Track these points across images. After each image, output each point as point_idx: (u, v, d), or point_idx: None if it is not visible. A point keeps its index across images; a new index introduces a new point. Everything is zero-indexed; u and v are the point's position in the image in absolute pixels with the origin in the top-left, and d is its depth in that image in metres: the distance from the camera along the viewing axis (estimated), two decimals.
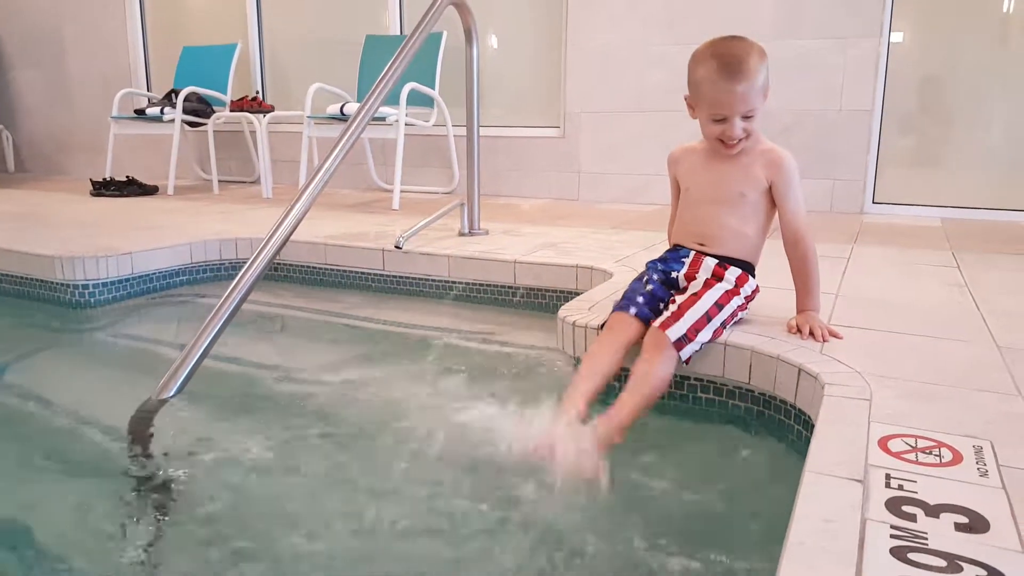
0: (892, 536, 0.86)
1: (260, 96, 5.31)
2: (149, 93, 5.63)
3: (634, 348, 1.61)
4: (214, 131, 4.94)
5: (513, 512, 1.28)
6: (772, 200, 1.71)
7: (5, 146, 6.15)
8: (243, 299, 1.92)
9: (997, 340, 1.64)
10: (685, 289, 1.70)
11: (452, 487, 1.39)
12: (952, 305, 1.97)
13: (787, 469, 1.27)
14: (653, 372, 1.52)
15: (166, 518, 1.31)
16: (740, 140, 1.62)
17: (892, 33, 3.75)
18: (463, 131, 3.18)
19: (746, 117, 1.59)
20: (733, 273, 1.69)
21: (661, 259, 1.79)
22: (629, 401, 1.46)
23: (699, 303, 1.60)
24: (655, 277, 1.73)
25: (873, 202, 3.90)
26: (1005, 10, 3.63)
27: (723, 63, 1.55)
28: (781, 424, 1.54)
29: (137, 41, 5.87)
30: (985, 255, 2.68)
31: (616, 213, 3.88)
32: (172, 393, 1.78)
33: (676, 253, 1.77)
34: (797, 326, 1.67)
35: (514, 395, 1.85)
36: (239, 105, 4.88)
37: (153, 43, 5.93)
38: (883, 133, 3.85)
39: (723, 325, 1.63)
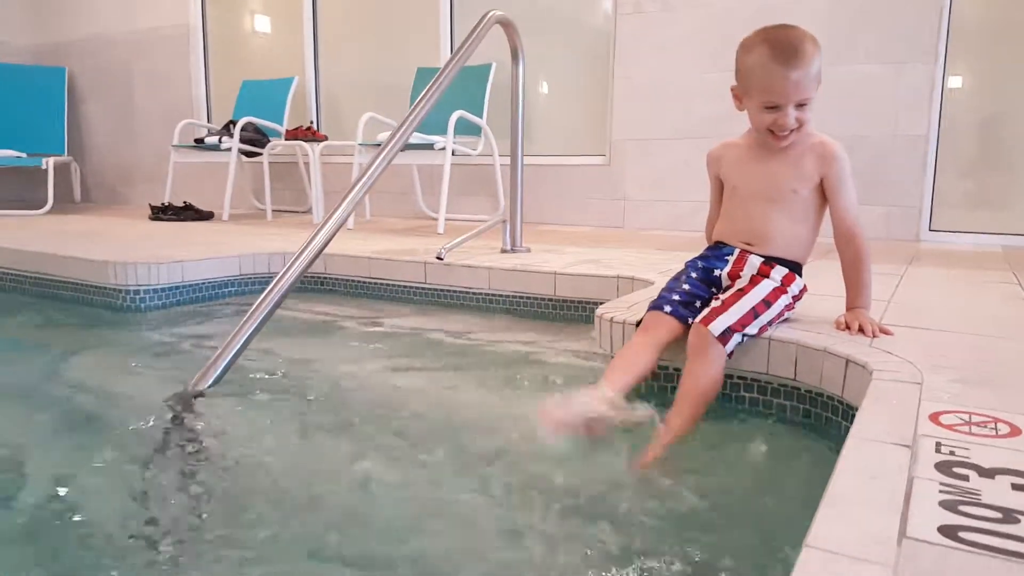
0: (942, 491, 0.80)
1: (314, 127, 5.45)
2: (209, 124, 5.83)
3: (673, 347, 1.57)
4: (269, 161, 5.07)
5: (551, 502, 1.24)
6: (823, 196, 1.65)
7: (73, 177, 6.40)
8: (279, 302, 1.93)
9: None
10: (728, 287, 1.64)
11: (481, 479, 1.35)
12: (1011, 311, 1.88)
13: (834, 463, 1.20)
14: (701, 376, 1.47)
15: (192, 491, 1.30)
16: (792, 131, 1.56)
17: (948, 61, 3.68)
18: (509, 160, 3.20)
19: (800, 106, 1.53)
20: (779, 272, 1.63)
21: (702, 256, 1.73)
22: (681, 410, 1.43)
23: (745, 298, 1.55)
24: (693, 275, 1.68)
25: (930, 229, 3.78)
26: None
27: (778, 49, 1.49)
28: (829, 420, 1.46)
29: (199, 76, 6.11)
30: None
31: (661, 238, 3.84)
32: (207, 385, 1.79)
33: (719, 251, 1.71)
34: (846, 322, 1.60)
35: (547, 392, 1.83)
36: (294, 134, 5.02)
37: (215, 78, 6.16)
38: (939, 159, 3.75)
39: (769, 323, 1.57)
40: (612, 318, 1.77)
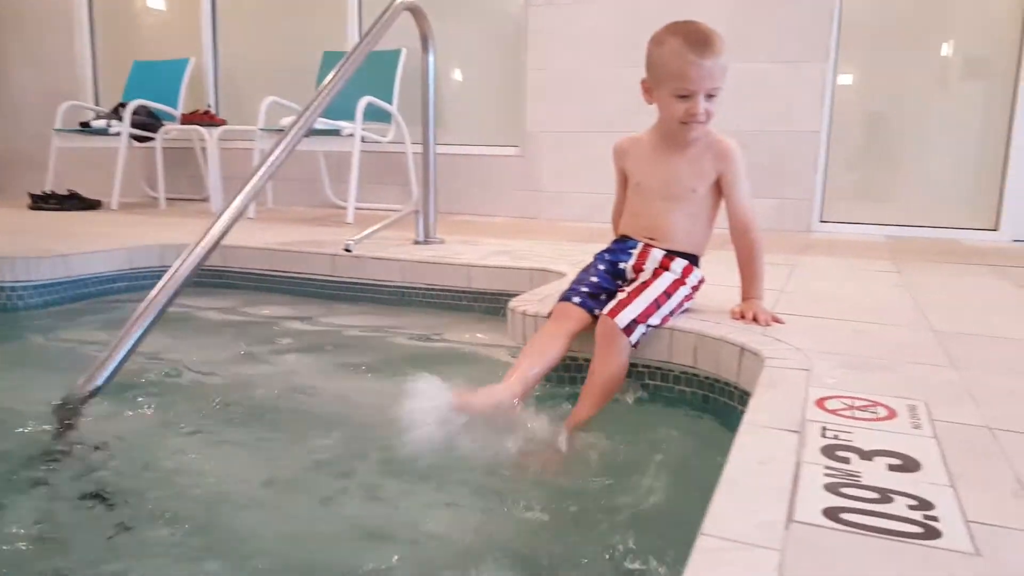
0: (826, 475, 0.87)
1: (212, 111, 5.25)
2: (96, 107, 5.53)
3: (581, 336, 1.62)
4: (163, 147, 4.85)
5: (451, 492, 1.26)
6: (719, 192, 1.73)
7: None
8: (173, 296, 1.82)
9: (933, 326, 1.68)
10: (633, 280, 1.71)
11: (382, 472, 1.36)
12: (892, 300, 2.02)
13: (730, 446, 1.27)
14: (608, 365, 1.54)
15: (81, 503, 1.26)
16: (701, 123, 1.61)
17: (839, 60, 3.88)
18: (421, 149, 3.17)
19: (709, 96, 1.59)
20: (679, 264, 1.71)
21: (608, 250, 1.79)
22: (588, 397, 1.52)
23: (648, 290, 1.62)
24: (601, 268, 1.74)
25: (820, 221, 3.99)
26: (944, 52, 3.81)
27: (691, 39, 1.55)
28: (725, 405, 1.54)
29: (85, 55, 5.78)
30: (925, 264, 2.76)
31: (576, 229, 3.90)
32: (98, 385, 1.69)
33: (624, 244, 1.77)
34: (741, 312, 1.69)
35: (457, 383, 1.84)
36: (190, 119, 4.82)
37: (103, 57, 5.85)
38: (830, 154, 3.96)
39: (671, 313, 1.64)
40: (524, 311, 1.81)
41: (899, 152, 3.93)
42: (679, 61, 1.56)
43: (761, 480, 0.85)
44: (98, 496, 1.30)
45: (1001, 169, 3.73)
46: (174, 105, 5.01)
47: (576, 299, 1.65)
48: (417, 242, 3.06)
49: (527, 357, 1.55)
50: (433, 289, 2.62)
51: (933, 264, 2.77)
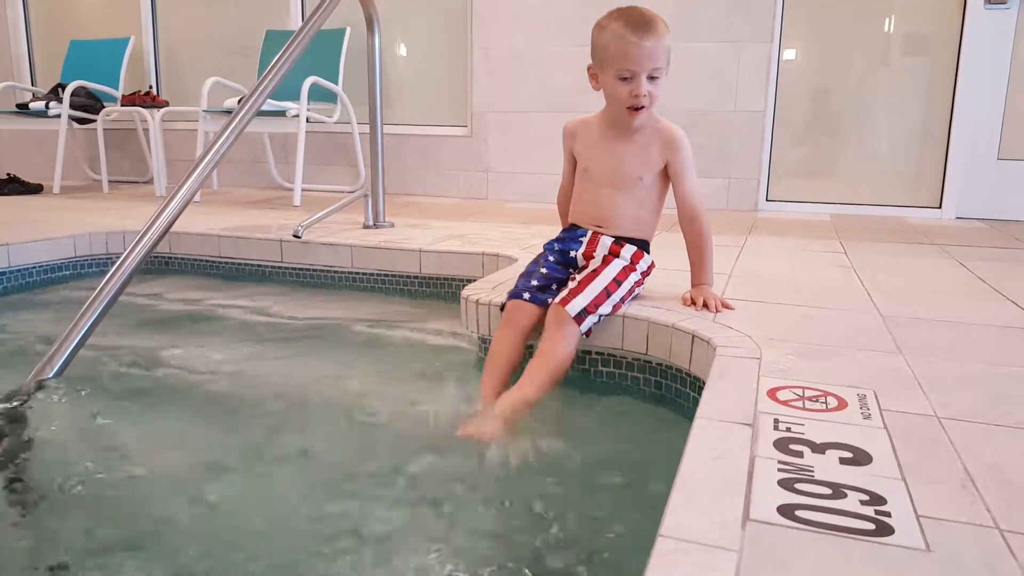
0: (780, 470, 0.87)
1: (154, 91, 5.09)
2: (33, 87, 5.31)
3: (538, 329, 1.61)
4: (104, 128, 4.68)
5: (421, 490, 1.25)
6: (667, 179, 1.73)
7: None
8: (125, 284, 1.82)
9: (880, 310, 1.71)
10: (584, 268, 1.71)
11: (340, 470, 1.34)
12: (839, 282, 2.05)
13: (685, 434, 1.27)
14: (556, 349, 1.53)
15: (34, 501, 1.21)
16: (644, 107, 1.61)
17: (784, 39, 3.91)
18: (368, 129, 3.12)
19: (652, 78, 1.59)
20: (628, 250, 1.71)
21: (559, 239, 1.79)
22: (534, 377, 1.48)
23: (598, 279, 1.62)
24: (551, 259, 1.74)
25: (767, 199, 4.04)
26: (886, 29, 3.86)
27: (631, 21, 1.56)
28: (678, 392, 1.55)
29: (19, 33, 5.53)
30: (869, 243, 2.81)
31: (525, 211, 3.89)
32: (49, 376, 1.67)
33: (573, 233, 1.77)
34: (692, 298, 1.70)
35: (416, 378, 1.83)
36: (131, 100, 4.66)
37: (38, 36, 5.61)
38: (775, 133, 4.00)
39: (622, 300, 1.64)
40: (478, 300, 1.79)
41: (843, 129, 3.99)
42: (620, 43, 1.57)
43: (716, 477, 0.85)
44: (45, 489, 1.27)
45: (944, 146, 3.81)
46: (115, 86, 4.83)
47: (526, 295, 1.64)
48: (366, 226, 3.01)
49: (491, 369, 1.56)
50: (384, 274, 2.59)
51: (878, 244, 2.82)
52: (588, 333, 1.57)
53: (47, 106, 4.51)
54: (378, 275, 2.60)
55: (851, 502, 0.80)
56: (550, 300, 1.60)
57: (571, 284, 1.62)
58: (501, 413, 1.38)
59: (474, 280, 2.37)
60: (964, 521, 0.77)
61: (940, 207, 3.84)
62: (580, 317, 1.54)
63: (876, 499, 0.81)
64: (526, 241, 2.64)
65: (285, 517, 1.19)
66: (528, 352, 1.67)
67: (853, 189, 3.98)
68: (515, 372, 1.55)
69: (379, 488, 1.26)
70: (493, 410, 1.39)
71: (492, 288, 1.89)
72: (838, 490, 0.82)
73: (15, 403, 1.58)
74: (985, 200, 3.81)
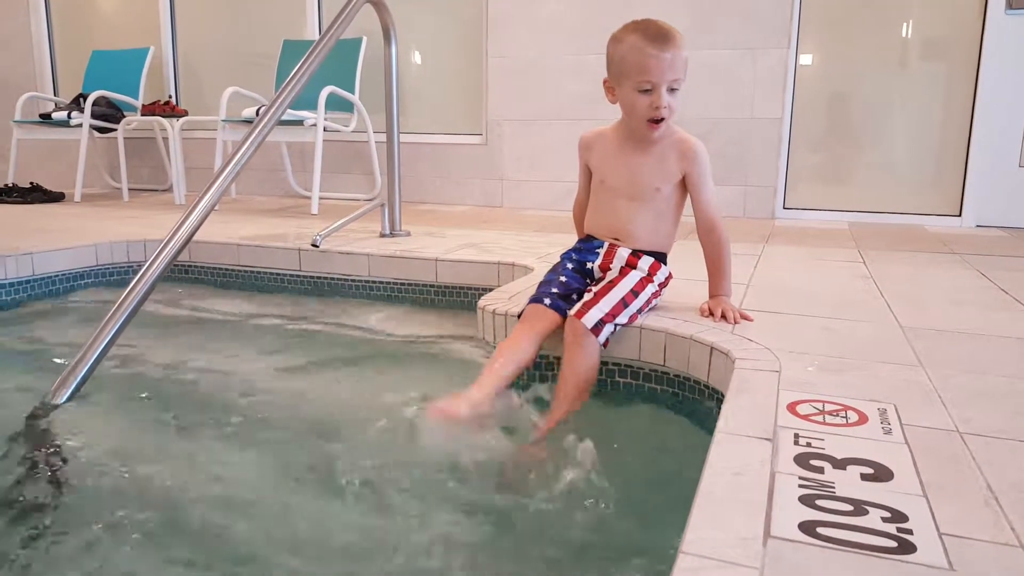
0: (800, 486, 0.87)
1: (173, 101, 5.14)
2: (56, 98, 5.39)
3: (553, 336, 1.61)
4: (125, 137, 4.75)
5: (429, 496, 1.25)
6: (684, 190, 1.73)
7: None
8: (143, 300, 1.82)
9: (900, 321, 1.70)
10: (600, 279, 1.71)
11: (360, 475, 1.35)
12: (858, 293, 2.04)
13: (703, 446, 1.27)
14: (575, 366, 1.54)
15: (55, 524, 1.22)
16: (664, 119, 1.61)
17: (800, 46, 3.90)
18: (385, 137, 3.14)
19: (671, 89, 1.59)
20: (646, 262, 1.71)
21: (575, 249, 1.80)
22: (563, 399, 1.51)
23: (615, 290, 1.62)
24: (569, 267, 1.74)
25: (784, 207, 4.03)
26: (904, 35, 3.84)
27: (649, 33, 1.56)
28: (697, 404, 1.55)
29: (43, 45, 5.62)
30: (888, 252, 2.80)
31: (539, 218, 3.89)
32: (66, 397, 1.67)
33: (590, 244, 1.77)
34: (710, 309, 1.70)
35: (431, 384, 1.83)
36: (151, 109, 4.72)
37: (61, 47, 5.68)
38: (792, 140, 3.99)
39: (639, 311, 1.64)
40: (494, 310, 1.80)
41: (861, 136, 3.97)
42: (639, 55, 1.57)
43: (737, 493, 0.85)
44: (69, 501, 1.27)
45: (964, 153, 3.78)
46: (135, 95, 4.90)
47: (547, 300, 1.64)
48: (383, 235, 3.03)
49: (499, 357, 1.55)
50: (401, 283, 2.60)
51: (898, 252, 2.80)
52: (606, 344, 1.57)
53: (69, 116, 4.58)
54: (395, 284, 2.61)
55: (873, 519, 0.79)
56: (568, 310, 1.60)
57: (587, 296, 1.62)
58: (480, 400, 1.42)
59: (490, 289, 2.38)
60: (987, 539, 0.76)
61: (960, 215, 3.81)
62: (597, 328, 1.54)
63: (898, 516, 0.80)
64: (542, 249, 2.65)
65: (313, 529, 1.20)
66: (540, 360, 1.68)
67: (871, 197, 3.95)
68: (521, 374, 1.56)
69: (400, 498, 1.26)
70: (473, 393, 1.43)
71: (509, 298, 1.89)
72: (859, 507, 0.82)
73: (37, 417, 1.59)
74: (1006, 208, 3.78)
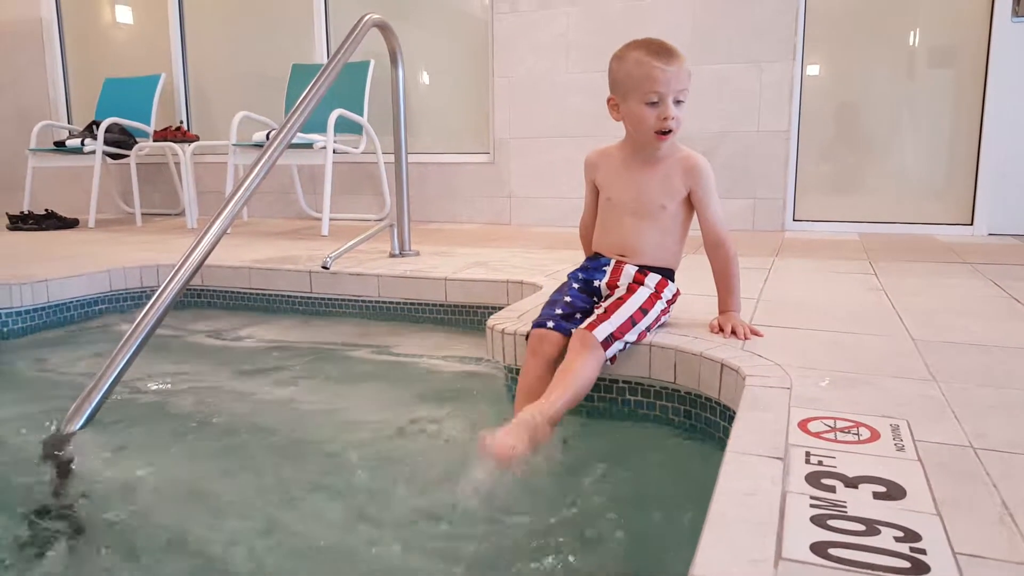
0: (812, 506, 0.86)
1: (184, 126, 5.20)
2: (69, 125, 5.46)
3: (562, 359, 1.60)
4: (137, 163, 4.81)
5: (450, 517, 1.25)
6: (690, 206, 1.73)
7: None
8: (156, 325, 1.84)
9: (912, 334, 1.69)
10: (608, 297, 1.70)
11: (376, 501, 1.35)
12: (869, 306, 2.03)
13: (715, 464, 1.27)
14: (577, 367, 1.49)
15: (70, 551, 1.23)
16: (672, 131, 1.61)
17: (806, 57, 3.91)
18: (392, 158, 3.16)
19: (677, 101, 1.60)
20: (653, 279, 1.70)
21: (582, 268, 1.79)
22: (557, 395, 1.43)
23: (624, 306, 1.61)
24: (576, 286, 1.74)
25: (793, 219, 4.02)
26: (911, 43, 3.84)
27: (652, 48, 1.59)
28: (708, 421, 1.54)
29: (57, 74, 5.70)
30: (899, 263, 2.78)
31: (547, 235, 3.90)
32: (81, 423, 1.68)
33: (597, 262, 1.77)
34: (719, 325, 1.69)
35: (443, 404, 1.84)
36: (163, 135, 4.78)
37: (74, 76, 5.77)
38: (800, 152, 3.98)
39: (647, 329, 1.64)
40: (503, 329, 1.80)
41: (870, 146, 3.96)
42: (645, 68, 1.58)
43: (748, 514, 0.84)
44: (86, 530, 1.28)
45: (974, 161, 3.76)
46: (147, 122, 4.96)
47: (550, 323, 1.63)
48: (393, 255, 3.05)
49: (522, 400, 1.55)
50: (410, 303, 2.61)
51: (908, 263, 2.79)
52: (613, 360, 1.56)
53: (83, 143, 4.64)
54: (405, 304, 2.62)
55: (885, 539, 0.79)
56: (573, 330, 1.60)
57: (597, 311, 1.62)
58: (527, 427, 1.32)
59: (499, 307, 2.39)
60: (1002, 558, 0.75)
61: (972, 224, 3.79)
62: (607, 342, 1.53)
63: (911, 535, 0.79)
64: (550, 267, 2.65)
65: (331, 550, 1.20)
66: None
67: (882, 207, 3.94)
68: None
69: (414, 518, 1.26)
70: (519, 424, 1.33)
71: (517, 317, 1.90)
72: (872, 526, 0.81)
73: (52, 445, 1.60)
74: (1019, 215, 3.75)
